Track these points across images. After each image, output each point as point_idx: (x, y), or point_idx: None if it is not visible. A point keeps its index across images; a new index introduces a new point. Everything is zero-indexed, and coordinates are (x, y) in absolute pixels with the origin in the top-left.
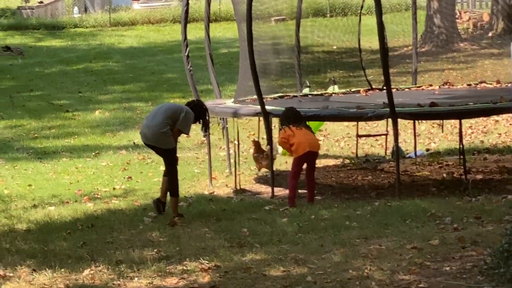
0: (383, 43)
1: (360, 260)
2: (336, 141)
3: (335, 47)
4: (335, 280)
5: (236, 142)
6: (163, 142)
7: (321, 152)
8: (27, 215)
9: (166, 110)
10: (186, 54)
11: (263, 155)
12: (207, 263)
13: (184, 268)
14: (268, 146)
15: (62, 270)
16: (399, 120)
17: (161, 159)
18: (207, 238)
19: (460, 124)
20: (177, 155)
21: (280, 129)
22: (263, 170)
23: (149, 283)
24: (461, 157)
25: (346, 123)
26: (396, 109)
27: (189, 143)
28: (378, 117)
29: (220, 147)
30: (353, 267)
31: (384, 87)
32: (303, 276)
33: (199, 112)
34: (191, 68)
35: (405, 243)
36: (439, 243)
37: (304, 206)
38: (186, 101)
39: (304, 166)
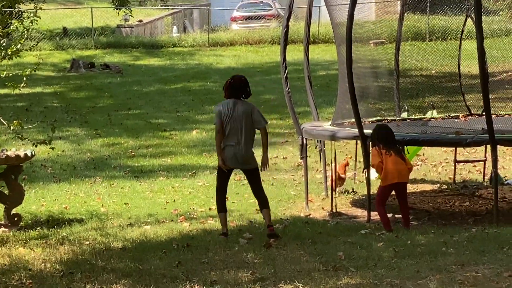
0: (483, 68)
1: (456, 287)
2: (434, 166)
3: (434, 72)
4: None
5: (333, 165)
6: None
7: (418, 177)
8: (123, 234)
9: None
10: (285, 75)
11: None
12: (302, 286)
13: None
14: (366, 170)
15: None
16: (498, 146)
17: None
18: (302, 261)
19: None
20: (272, 176)
21: (371, 147)
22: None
23: None
24: None
25: (444, 148)
26: (495, 135)
27: (286, 165)
28: (477, 143)
29: (317, 170)
30: None
31: (484, 113)
32: None
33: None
34: (289, 90)
35: (502, 271)
36: None
37: (400, 231)
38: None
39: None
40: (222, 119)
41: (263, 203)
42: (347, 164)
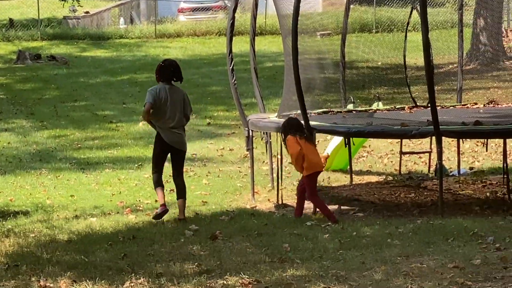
0: (428, 60)
1: (401, 279)
2: (380, 157)
3: (380, 63)
4: None
5: (279, 156)
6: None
7: (364, 168)
8: (69, 226)
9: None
10: (231, 67)
11: None
12: (247, 278)
13: (225, 282)
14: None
15: (103, 281)
16: (443, 138)
17: (204, 172)
18: (248, 252)
19: (505, 143)
20: (218, 168)
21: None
22: None
23: None
24: (505, 176)
25: (389, 140)
26: (440, 127)
27: (232, 157)
28: (422, 135)
29: (263, 162)
30: (394, 285)
31: (429, 105)
32: None
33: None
34: (235, 81)
35: (446, 262)
36: (481, 262)
37: (346, 222)
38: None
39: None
40: (156, 102)
41: (180, 192)
42: (327, 157)
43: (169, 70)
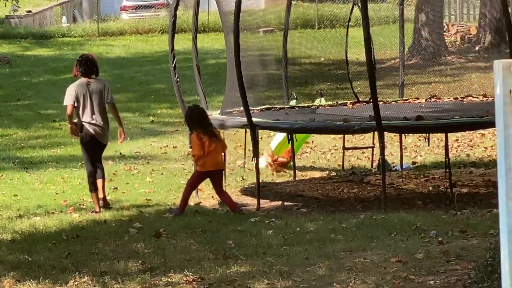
0: (370, 56)
1: (344, 273)
2: (323, 153)
3: (322, 59)
4: None
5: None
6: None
7: (307, 164)
8: (12, 225)
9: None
10: (173, 65)
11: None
12: (191, 275)
13: (169, 280)
14: (255, 159)
15: (46, 281)
16: (385, 133)
17: (148, 170)
18: (192, 250)
19: (446, 137)
20: (162, 166)
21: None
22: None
23: None
24: (447, 170)
25: (332, 136)
26: (382, 122)
27: (176, 155)
28: (364, 130)
29: None
30: (338, 280)
31: (371, 100)
32: None
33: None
34: (178, 79)
35: (390, 256)
36: (423, 256)
37: (289, 218)
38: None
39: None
40: (76, 100)
41: (100, 173)
42: (272, 154)
43: (85, 65)
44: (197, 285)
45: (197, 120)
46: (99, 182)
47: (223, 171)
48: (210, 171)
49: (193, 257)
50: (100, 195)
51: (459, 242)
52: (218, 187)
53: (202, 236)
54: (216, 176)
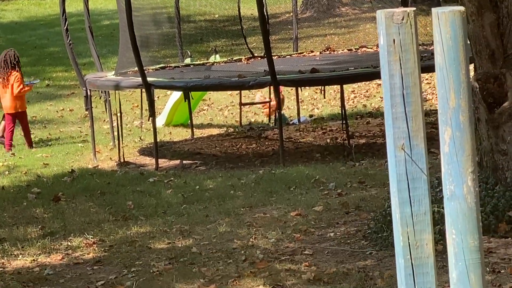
0: (262, 10)
1: (245, 229)
2: (220, 110)
3: (217, 16)
4: (220, 250)
5: (119, 114)
6: None
7: (205, 121)
8: None
9: None
10: (65, 27)
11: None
12: (91, 238)
13: (69, 244)
14: (151, 118)
15: None
16: (282, 87)
17: (45, 134)
18: (92, 212)
19: (342, 89)
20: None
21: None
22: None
23: (33, 260)
24: (344, 122)
25: (230, 92)
26: (277, 76)
27: (73, 118)
28: (260, 85)
29: (104, 120)
30: (238, 237)
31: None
32: (188, 247)
33: None
34: (70, 42)
35: (289, 210)
36: (323, 209)
37: (188, 177)
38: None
39: None
40: None
41: None
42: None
43: None
44: (98, 248)
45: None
46: None
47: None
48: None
49: (93, 220)
50: None
51: (358, 193)
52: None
53: (101, 198)
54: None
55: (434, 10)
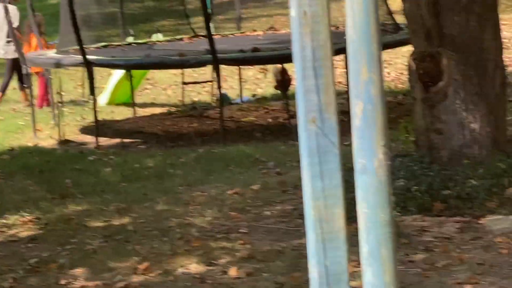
0: None
1: (182, 208)
2: (164, 89)
3: None
4: (156, 228)
5: (61, 93)
6: None
7: (148, 100)
8: None
9: None
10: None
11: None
12: (28, 216)
13: (4, 221)
14: (93, 96)
15: None
16: (225, 66)
17: None
18: (30, 190)
19: (283, 68)
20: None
21: None
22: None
23: None
24: (285, 102)
25: (173, 71)
26: (218, 55)
27: (15, 95)
28: (201, 64)
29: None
30: (175, 215)
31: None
32: (124, 225)
33: None
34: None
35: (227, 189)
36: (261, 187)
37: (128, 155)
38: None
39: None
40: None
41: None
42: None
43: None
44: (33, 225)
45: None
46: None
47: None
48: None
49: (30, 198)
50: None
51: (297, 172)
52: None
53: (40, 176)
54: None
55: None
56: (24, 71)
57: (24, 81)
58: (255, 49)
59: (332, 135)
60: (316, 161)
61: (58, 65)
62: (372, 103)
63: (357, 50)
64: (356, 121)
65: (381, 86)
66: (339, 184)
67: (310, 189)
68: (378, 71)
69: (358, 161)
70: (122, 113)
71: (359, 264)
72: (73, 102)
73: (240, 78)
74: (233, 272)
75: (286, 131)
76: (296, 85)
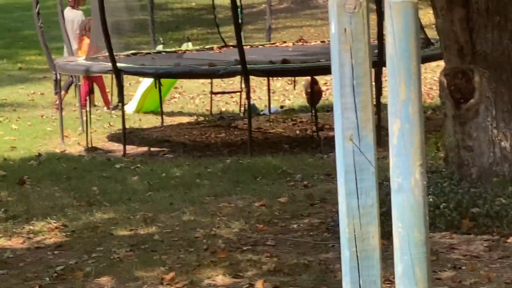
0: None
1: (208, 218)
2: (192, 98)
3: (194, 4)
4: (182, 238)
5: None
6: None
7: (176, 109)
8: None
9: None
10: (37, 11)
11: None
12: (54, 223)
13: (31, 228)
14: (120, 104)
15: None
16: (254, 77)
17: (14, 117)
18: (56, 197)
19: (312, 80)
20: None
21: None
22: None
23: None
24: (314, 114)
25: (201, 81)
26: (247, 66)
27: (43, 101)
28: (230, 74)
29: (74, 105)
30: (202, 225)
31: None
32: (150, 235)
33: None
34: (41, 25)
35: (254, 200)
36: (288, 200)
37: (155, 164)
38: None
39: None
40: None
41: None
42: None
43: None
44: (60, 232)
45: None
46: None
47: None
48: None
49: (56, 204)
50: None
51: (324, 185)
52: None
53: (67, 183)
54: None
55: (387, 0)
56: (54, 78)
57: (54, 87)
58: (285, 61)
59: (369, 153)
60: (352, 178)
61: (87, 72)
62: (409, 122)
63: (396, 68)
64: (394, 140)
65: (419, 105)
66: (374, 202)
67: (346, 207)
68: (416, 90)
69: (395, 180)
70: (150, 122)
71: (388, 281)
72: (102, 109)
73: (269, 89)
74: (259, 285)
75: (314, 143)
76: (334, 102)
